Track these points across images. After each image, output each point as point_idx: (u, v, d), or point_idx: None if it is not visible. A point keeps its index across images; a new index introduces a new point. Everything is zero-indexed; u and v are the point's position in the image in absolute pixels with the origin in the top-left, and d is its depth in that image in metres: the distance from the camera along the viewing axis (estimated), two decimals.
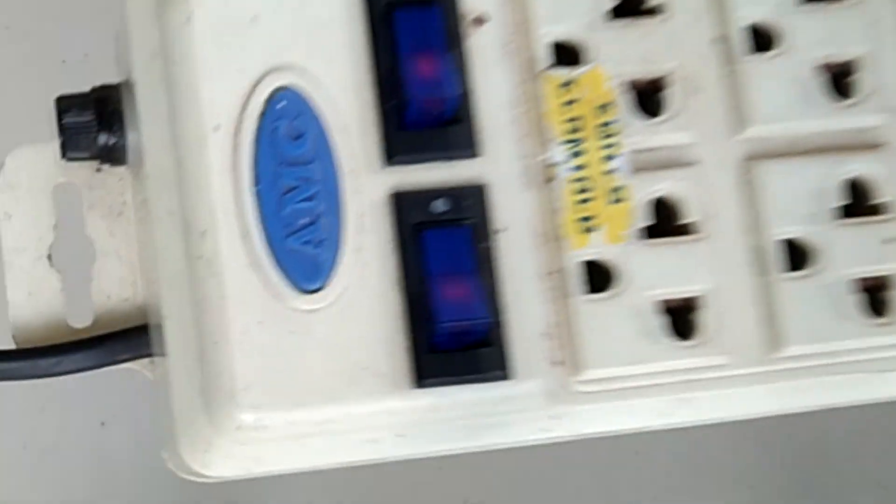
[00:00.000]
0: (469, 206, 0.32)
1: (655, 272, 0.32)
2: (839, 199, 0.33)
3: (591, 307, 0.32)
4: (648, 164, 0.33)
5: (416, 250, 0.31)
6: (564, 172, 0.32)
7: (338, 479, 0.41)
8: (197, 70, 0.31)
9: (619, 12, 0.33)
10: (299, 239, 0.31)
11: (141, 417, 0.42)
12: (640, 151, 0.33)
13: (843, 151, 0.33)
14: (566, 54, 0.33)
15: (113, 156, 0.33)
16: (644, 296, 0.32)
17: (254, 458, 0.31)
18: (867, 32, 0.33)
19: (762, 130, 0.33)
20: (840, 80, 0.33)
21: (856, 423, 0.47)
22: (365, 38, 0.32)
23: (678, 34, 0.33)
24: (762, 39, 0.34)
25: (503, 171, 0.32)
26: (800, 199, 0.33)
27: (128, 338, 0.34)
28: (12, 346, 0.34)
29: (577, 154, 0.33)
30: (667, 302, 0.32)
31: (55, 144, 0.34)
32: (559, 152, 0.32)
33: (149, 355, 0.34)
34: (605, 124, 0.33)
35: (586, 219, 0.32)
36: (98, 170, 0.35)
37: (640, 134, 0.33)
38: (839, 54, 0.33)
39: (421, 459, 0.32)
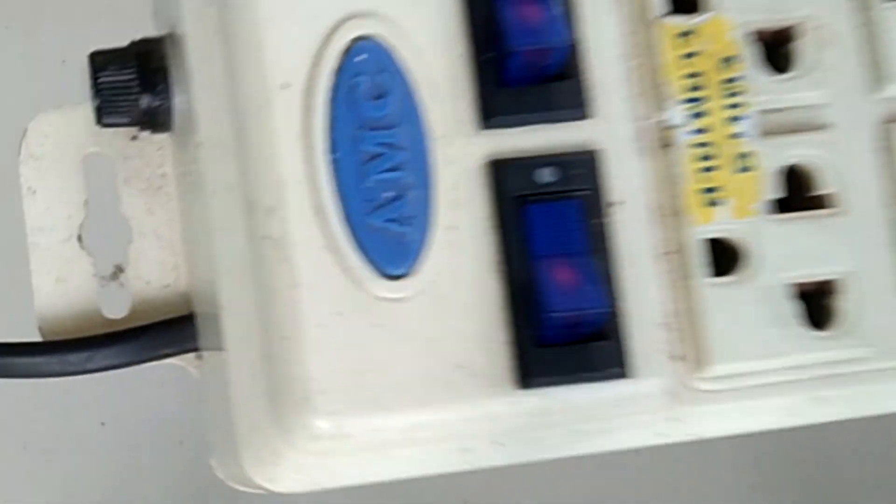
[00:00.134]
0: (580, 175, 0.27)
1: (789, 251, 0.28)
2: None
3: (716, 292, 0.28)
4: (777, 126, 0.29)
5: (518, 228, 0.27)
6: (684, 136, 0.28)
7: None
8: (260, 18, 0.27)
9: None
10: (383, 216, 0.27)
11: (141, 417, 0.41)
12: (767, 112, 0.28)
13: None
14: (684, 0, 0.28)
15: (156, 121, 0.29)
16: (776, 279, 0.28)
17: (329, 471, 0.27)
18: None
19: None
20: None
21: (859, 426, 0.45)
22: None
23: None
24: None
25: (617, 135, 0.27)
26: None
27: (170, 330, 0.29)
28: (38, 339, 0.29)
29: (698, 115, 0.28)
30: (801, 286, 0.28)
31: (85, 108, 0.29)
32: (678, 113, 0.28)
33: (194, 349, 0.29)
34: (730, 80, 0.28)
35: (710, 190, 0.28)
36: (134, 137, 0.30)
37: (768, 92, 0.28)
38: None
39: None
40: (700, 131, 0.28)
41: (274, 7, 0.27)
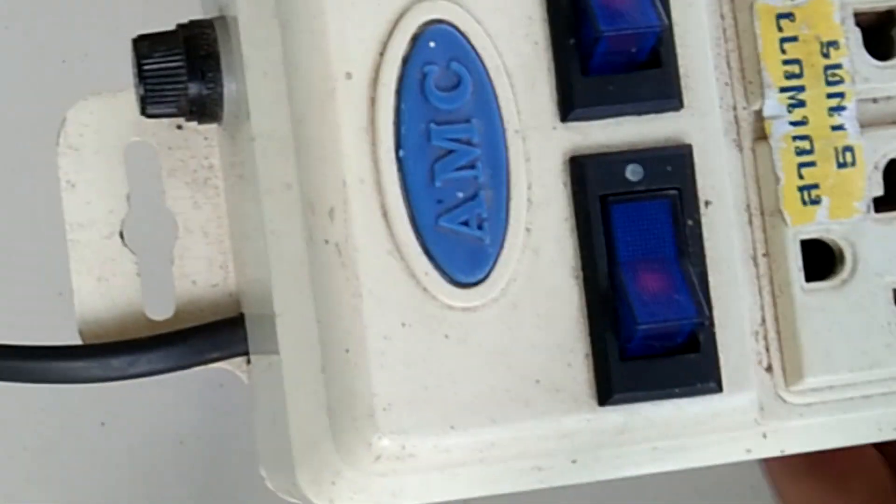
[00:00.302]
0: (670, 172, 0.25)
1: (892, 253, 0.26)
2: None
3: (812, 299, 0.25)
4: (880, 117, 0.26)
5: (602, 230, 0.25)
6: (782, 128, 0.26)
7: None
8: (322, 3, 0.24)
9: None
10: (455, 218, 0.24)
11: (141, 417, 0.40)
12: (870, 101, 0.26)
13: None
14: None
15: (205, 111, 0.26)
16: (879, 283, 0.26)
17: (392, 492, 0.25)
18: None
19: None
20: None
21: None
22: None
23: None
24: None
25: (710, 127, 0.25)
26: None
27: (217, 332, 0.27)
28: (79, 342, 0.27)
29: (797, 105, 0.26)
30: None
31: (127, 95, 0.27)
32: (776, 102, 0.26)
33: (244, 353, 0.27)
34: (831, 67, 0.26)
35: (809, 187, 0.26)
36: (179, 126, 0.28)
37: (872, 80, 0.26)
38: None
39: None
40: (799, 123, 0.26)
41: None
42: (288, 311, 0.25)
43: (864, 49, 0.26)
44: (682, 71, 0.25)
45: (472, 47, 0.25)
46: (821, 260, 0.26)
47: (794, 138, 0.26)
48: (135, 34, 0.27)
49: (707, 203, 0.25)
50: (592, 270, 0.25)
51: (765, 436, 0.26)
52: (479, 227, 0.24)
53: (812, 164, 0.26)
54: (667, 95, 0.25)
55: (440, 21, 0.25)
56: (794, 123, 0.26)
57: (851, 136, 0.26)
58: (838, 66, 0.26)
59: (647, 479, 0.26)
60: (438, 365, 0.24)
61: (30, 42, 0.41)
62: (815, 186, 0.26)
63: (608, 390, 0.24)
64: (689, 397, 0.25)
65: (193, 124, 0.27)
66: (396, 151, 0.24)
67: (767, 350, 0.26)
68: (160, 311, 0.28)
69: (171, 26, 0.27)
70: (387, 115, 0.24)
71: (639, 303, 0.24)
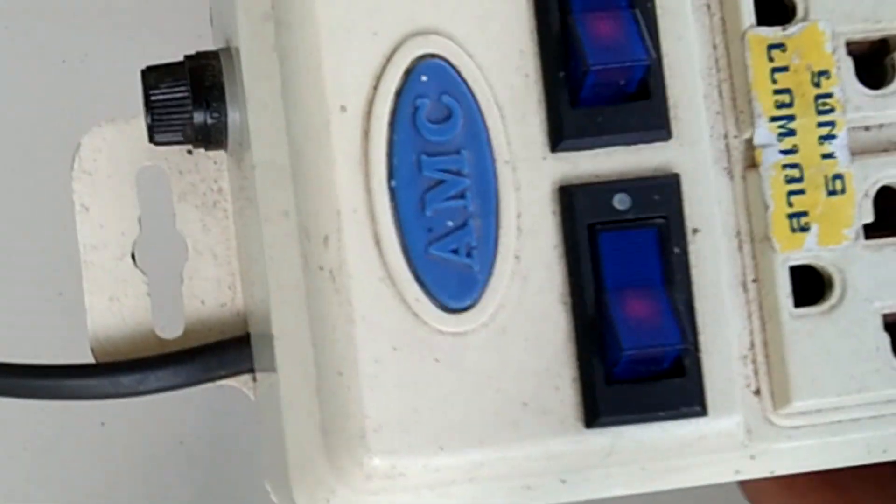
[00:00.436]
0: (658, 200, 0.25)
1: (881, 280, 0.26)
2: None
3: (802, 324, 0.26)
4: (872, 145, 0.27)
5: (590, 258, 0.25)
6: (772, 157, 0.26)
7: None
8: (319, 35, 0.25)
9: None
10: (445, 246, 0.25)
11: (141, 417, 0.41)
12: (861, 129, 0.27)
13: None
14: (775, 9, 0.26)
15: (210, 138, 0.27)
16: (867, 309, 0.26)
17: None
18: None
19: None
20: None
21: None
22: None
23: None
24: None
25: (699, 157, 0.26)
26: None
27: (225, 351, 0.28)
28: (91, 361, 0.28)
29: (787, 134, 0.26)
30: (890, 315, 0.26)
31: (139, 121, 0.28)
32: (766, 131, 0.26)
33: (250, 371, 0.28)
34: (823, 97, 0.26)
35: (798, 214, 0.26)
36: (189, 151, 0.29)
37: (863, 108, 0.26)
38: None
39: None
40: (789, 151, 0.26)
41: (333, 25, 0.25)
42: (285, 334, 0.26)
43: (857, 78, 0.26)
44: (671, 102, 0.26)
45: (464, 81, 0.25)
46: (812, 285, 0.27)
47: (784, 166, 0.26)
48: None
49: (695, 231, 0.26)
50: (580, 297, 0.25)
51: (753, 457, 0.26)
52: (469, 255, 0.25)
53: (802, 191, 0.26)
54: (655, 126, 0.25)
55: (433, 55, 0.25)
56: (784, 152, 0.26)
57: (842, 164, 0.26)
58: (829, 95, 0.26)
59: None
60: (428, 388, 0.25)
61: (30, 42, 0.41)
62: (805, 214, 0.26)
63: (595, 413, 0.25)
64: (674, 420, 0.25)
65: (202, 150, 0.28)
66: (389, 182, 0.25)
67: (756, 374, 0.26)
68: (170, 331, 0.29)
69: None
70: (380, 146, 0.25)
71: (625, 329, 0.25)
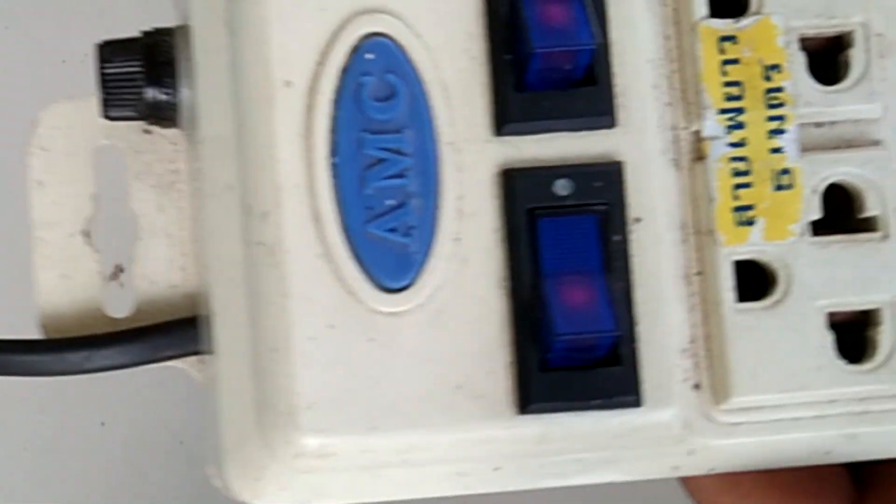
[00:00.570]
0: (601, 188, 0.25)
1: (826, 277, 0.26)
2: None
3: (743, 318, 0.26)
4: (822, 142, 0.26)
5: (529, 242, 0.25)
6: (720, 149, 0.26)
7: None
8: (266, 10, 0.25)
9: None
10: (384, 225, 0.25)
11: (141, 417, 0.41)
12: (812, 125, 0.26)
13: None
14: (730, 1, 0.26)
15: (163, 115, 0.27)
16: (811, 306, 0.26)
17: (315, 490, 0.25)
18: None
19: None
20: None
21: None
22: None
23: None
24: None
25: (644, 146, 0.26)
26: None
27: (172, 332, 0.28)
28: (39, 337, 0.28)
29: (736, 127, 0.26)
30: (836, 315, 0.26)
31: (96, 100, 0.28)
32: (715, 124, 0.26)
33: (197, 353, 0.28)
34: (773, 91, 0.26)
35: (744, 208, 0.26)
36: (147, 131, 0.29)
37: (814, 104, 0.26)
38: None
39: None
40: (737, 144, 0.26)
41: (282, 0, 0.25)
42: (224, 310, 0.26)
43: (809, 73, 0.26)
44: (617, 89, 0.26)
45: (410, 60, 0.25)
46: (761, 280, 0.26)
47: (732, 159, 0.26)
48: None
49: (637, 220, 0.25)
50: (518, 281, 0.25)
51: (691, 453, 0.26)
52: (407, 235, 0.25)
53: (748, 185, 0.26)
54: (600, 113, 0.25)
55: (379, 34, 0.25)
56: (732, 145, 0.26)
57: (790, 158, 0.26)
58: (780, 90, 0.26)
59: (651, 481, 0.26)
60: (362, 367, 0.25)
61: (30, 42, 0.41)
62: (751, 208, 0.26)
63: (527, 399, 0.25)
64: (607, 410, 0.25)
65: (157, 128, 0.28)
66: (330, 158, 0.25)
67: (697, 368, 0.26)
68: (120, 310, 0.29)
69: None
70: (323, 122, 0.25)
71: (560, 314, 0.25)
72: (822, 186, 0.26)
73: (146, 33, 0.28)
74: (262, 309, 0.25)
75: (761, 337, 0.26)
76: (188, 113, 0.27)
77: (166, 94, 0.27)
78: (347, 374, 0.25)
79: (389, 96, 0.25)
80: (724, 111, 0.26)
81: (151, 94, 0.27)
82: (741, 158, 0.26)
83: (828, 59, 0.27)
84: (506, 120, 0.25)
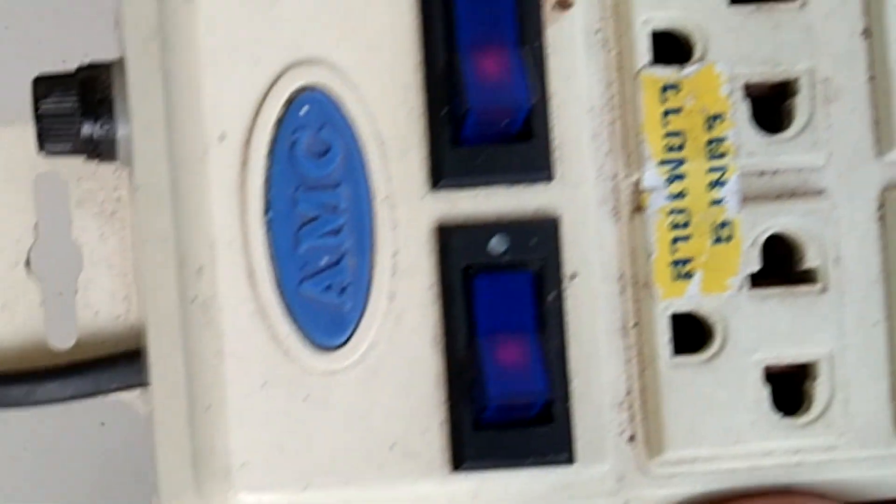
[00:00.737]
0: (536, 245, 0.25)
1: (763, 331, 0.26)
2: None
3: (680, 373, 0.26)
4: (765, 191, 0.26)
5: (464, 300, 0.25)
6: (659, 201, 0.26)
7: None
8: (200, 60, 0.25)
9: None
10: (319, 283, 0.25)
11: (141, 417, 0.39)
12: (754, 175, 0.26)
13: None
14: (671, 48, 0.26)
15: (100, 150, 0.27)
16: (748, 360, 0.26)
17: None
18: None
19: None
20: None
21: None
22: (413, 26, 0.25)
23: (818, 24, 0.26)
24: None
25: (582, 199, 0.25)
26: None
27: (116, 365, 0.28)
28: None
29: (676, 178, 0.26)
30: (774, 367, 0.26)
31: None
32: (654, 175, 0.26)
33: (140, 386, 0.28)
34: (715, 141, 0.26)
35: (683, 261, 0.26)
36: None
37: (758, 154, 0.26)
38: None
39: None
40: (677, 196, 0.26)
41: (215, 49, 0.25)
42: (160, 363, 0.26)
43: (752, 122, 0.26)
44: (555, 143, 0.25)
45: (345, 114, 0.25)
46: (700, 330, 0.26)
47: (671, 211, 0.26)
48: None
49: (573, 275, 0.25)
50: (452, 339, 0.25)
51: None
52: (342, 293, 0.25)
53: (687, 237, 0.26)
54: (536, 168, 0.25)
55: (315, 87, 0.25)
56: (671, 196, 0.26)
57: (730, 211, 0.26)
58: (722, 140, 0.26)
59: None
60: (297, 425, 0.25)
61: (30, 42, 0.41)
62: (689, 261, 0.26)
63: (460, 458, 0.25)
64: (540, 467, 0.25)
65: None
66: (265, 214, 0.25)
67: (632, 420, 0.26)
68: (62, 341, 0.29)
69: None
70: (257, 178, 0.25)
71: (493, 375, 0.25)
72: (762, 238, 0.26)
73: (82, 68, 0.27)
74: (197, 365, 0.25)
75: (697, 391, 0.26)
76: (126, 152, 0.27)
77: (103, 130, 0.27)
78: (282, 432, 0.25)
79: (324, 152, 0.25)
80: (664, 162, 0.26)
81: (88, 129, 0.27)
82: (680, 211, 0.26)
83: (772, 104, 0.26)
84: (442, 175, 0.25)
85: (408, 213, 0.25)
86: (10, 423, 0.40)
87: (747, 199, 0.26)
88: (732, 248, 0.26)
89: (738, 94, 0.26)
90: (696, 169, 0.26)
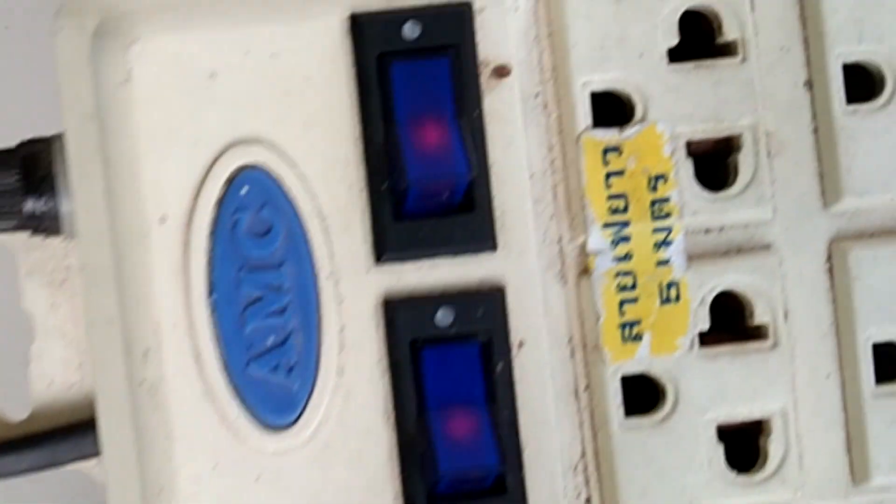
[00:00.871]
0: (483, 316, 0.25)
1: (716, 389, 0.26)
2: None
3: (633, 435, 0.26)
4: (711, 248, 0.26)
5: (412, 374, 0.25)
6: (605, 264, 0.26)
7: None
8: (138, 143, 0.25)
9: (681, 54, 0.26)
10: (266, 364, 0.25)
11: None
12: (699, 232, 0.26)
13: None
14: (613, 110, 0.26)
15: (45, 226, 0.27)
16: (701, 420, 0.26)
17: None
18: None
19: (860, 202, 0.26)
20: None
21: None
22: (350, 100, 0.25)
23: (759, 78, 0.26)
24: (867, 84, 0.26)
25: (526, 267, 0.25)
26: None
27: (71, 436, 0.28)
28: None
29: (622, 240, 0.26)
30: (728, 425, 0.26)
31: None
32: (599, 238, 0.26)
33: (98, 454, 0.28)
34: (659, 202, 0.26)
35: (631, 324, 0.26)
36: None
37: (703, 212, 0.26)
38: None
39: None
40: (623, 258, 0.26)
41: (153, 131, 0.25)
42: (112, 445, 0.25)
43: (696, 180, 0.26)
44: (497, 212, 0.25)
45: (285, 192, 0.25)
46: (652, 389, 0.26)
47: (618, 274, 0.26)
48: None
49: (521, 344, 0.25)
50: (402, 413, 0.25)
51: None
52: (289, 373, 0.25)
53: (634, 300, 0.26)
54: (480, 239, 0.25)
55: (254, 166, 0.25)
56: (617, 259, 0.26)
57: (677, 271, 0.26)
58: (666, 200, 0.26)
59: None
60: None
61: (30, 42, 0.41)
62: (637, 323, 0.26)
63: None
64: None
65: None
66: (209, 296, 0.25)
67: (587, 483, 0.26)
68: (16, 412, 0.29)
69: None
70: (200, 259, 0.25)
71: (444, 449, 0.25)
72: (710, 297, 0.26)
73: (24, 143, 0.27)
74: (146, 448, 0.25)
75: (650, 453, 0.26)
76: (71, 225, 0.27)
77: (47, 206, 0.27)
78: None
79: (266, 231, 0.25)
80: (608, 224, 0.26)
81: (31, 206, 0.27)
82: (627, 273, 0.26)
83: (716, 160, 0.26)
84: (384, 249, 0.25)
85: (352, 288, 0.25)
86: None
87: (694, 257, 0.26)
88: (681, 308, 0.26)
89: (681, 153, 0.26)
90: (641, 230, 0.26)
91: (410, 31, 0.25)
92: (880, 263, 0.26)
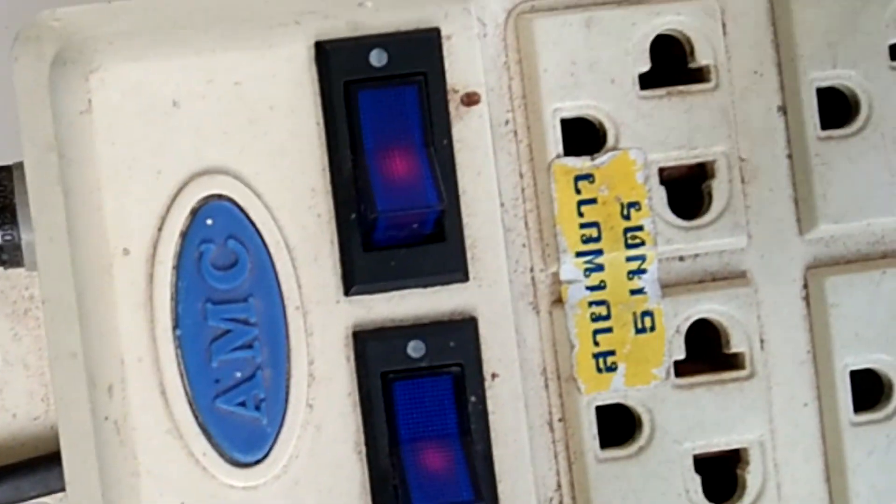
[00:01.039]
0: (455, 347, 0.25)
1: (692, 419, 0.25)
2: None
3: (609, 467, 0.25)
4: (686, 276, 0.26)
5: (384, 407, 0.24)
6: (578, 293, 0.25)
7: None
8: (100, 173, 0.24)
9: (653, 80, 0.25)
10: (233, 399, 0.24)
11: None
12: (674, 260, 0.26)
13: None
14: (584, 137, 0.25)
15: (4, 256, 0.26)
16: (677, 450, 0.25)
17: None
18: None
19: (836, 229, 0.26)
20: None
21: None
22: (318, 130, 0.25)
23: (732, 104, 0.25)
24: (841, 109, 0.26)
25: (498, 297, 0.25)
26: (878, 320, 0.26)
27: (36, 470, 0.27)
28: None
29: (595, 269, 0.25)
30: (703, 455, 0.26)
31: None
32: (572, 267, 0.25)
33: (63, 489, 0.27)
34: (633, 230, 0.25)
35: (605, 354, 0.25)
36: None
37: (677, 241, 0.25)
38: None
39: None
40: (596, 288, 0.25)
41: (115, 162, 0.24)
42: (77, 480, 0.25)
43: (669, 207, 0.25)
44: (468, 242, 0.25)
45: (251, 222, 0.24)
46: (629, 419, 0.26)
47: (591, 304, 0.25)
48: None
49: (494, 375, 0.25)
50: (374, 447, 0.25)
51: None
52: (257, 408, 0.24)
53: (609, 329, 0.25)
54: (451, 269, 0.25)
55: (219, 196, 0.24)
56: (590, 288, 0.25)
57: (651, 300, 0.25)
58: (639, 228, 0.25)
59: None
60: None
61: None
62: (611, 353, 0.25)
63: None
64: None
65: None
66: (174, 330, 0.24)
67: None
68: None
69: None
70: (164, 292, 0.24)
71: (417, 483, 0.24)
72: (686, 326, 0.25)
73: None
74: (112, 485, 0.24)
75: (626, 484, 0.25)
76: (32, 256, 0.26)
77: (7, 239, 0.26)
78: None
79: (232, 264, 0.24)
80: (581, 254, 0.25)
81: None
82: (600, 302, 0.25)
83: (690, 186, 0.26)
84: (354, 280, 0.24)
85: (322, 320, 0.25)
86: None
87: (668, 285, 0.26)
88: (655, 338, 0.25)
89: (654, 181, 0.25)
90: (615, 259, 0.25)
91: (377, 58, 0.24)
92: (857, 290, 0.25)
